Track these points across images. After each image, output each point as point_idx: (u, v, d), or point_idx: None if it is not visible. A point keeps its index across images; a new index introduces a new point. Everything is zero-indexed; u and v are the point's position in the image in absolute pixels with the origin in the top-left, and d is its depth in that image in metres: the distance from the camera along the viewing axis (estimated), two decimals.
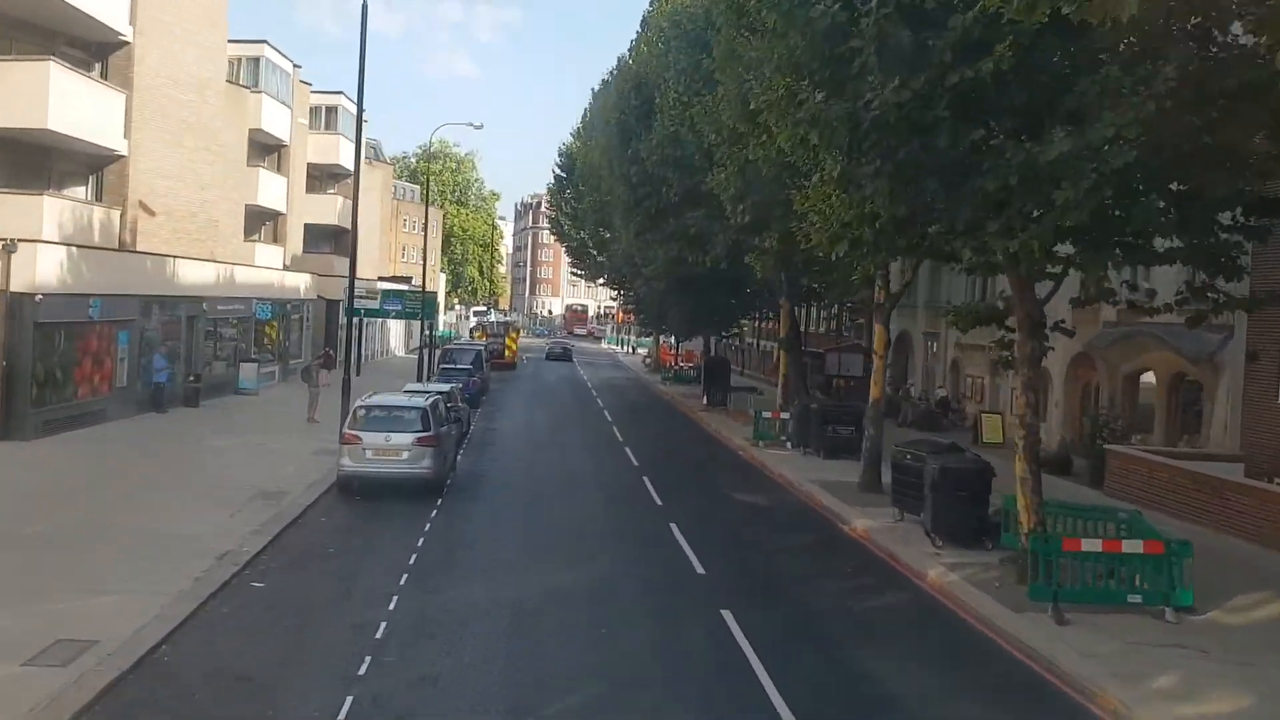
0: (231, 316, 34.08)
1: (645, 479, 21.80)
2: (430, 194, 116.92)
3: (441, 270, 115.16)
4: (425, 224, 43.24)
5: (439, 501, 18.16)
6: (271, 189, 40.83)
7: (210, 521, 15.23)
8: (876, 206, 12.63)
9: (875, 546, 16.47)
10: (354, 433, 18.31)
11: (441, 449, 18.77)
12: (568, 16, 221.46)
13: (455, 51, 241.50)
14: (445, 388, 25.85)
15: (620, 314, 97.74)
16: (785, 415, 28.09)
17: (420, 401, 19.32)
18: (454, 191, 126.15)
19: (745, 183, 20.72)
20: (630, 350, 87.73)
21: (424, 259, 44.11)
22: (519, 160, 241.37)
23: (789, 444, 27.47)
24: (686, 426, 34.07)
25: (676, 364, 56.05)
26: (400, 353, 64.40)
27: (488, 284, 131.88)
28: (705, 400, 38.78)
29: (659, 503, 19.35)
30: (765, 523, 18.52)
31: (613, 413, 36.19)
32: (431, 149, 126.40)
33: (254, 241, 41.27)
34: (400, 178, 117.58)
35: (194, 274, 30.61)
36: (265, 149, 42.01)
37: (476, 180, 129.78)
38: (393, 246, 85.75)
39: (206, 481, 18.46)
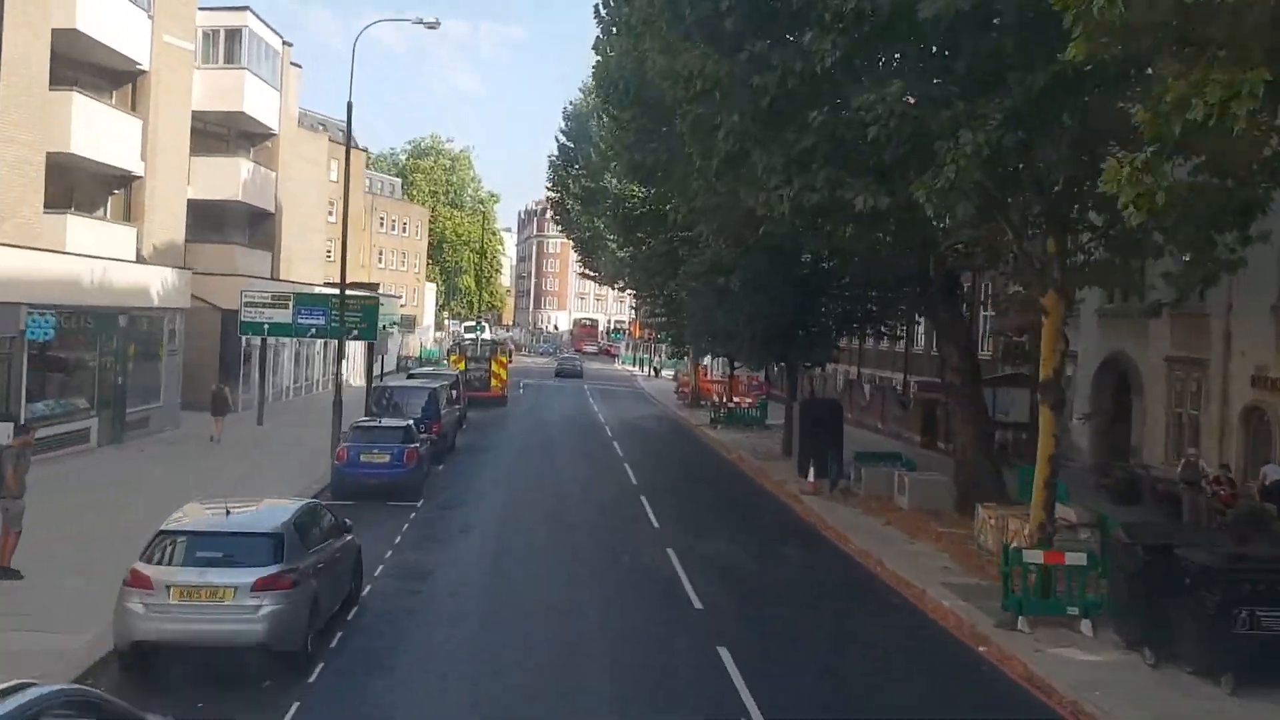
0: None
1: None
2: (406, 182, 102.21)
3: (430, 279, 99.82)
4: (345, 174, 27.37)
5: None
6: (104, 133, 25.33)
7: None
8: None
9: None
10: None
11: None
12: (572, 34, 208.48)
13: (458, 67, 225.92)
14: (283, 520, 10.30)
15: (637, 328, 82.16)
16: (1077, 559, 12.38)
17: None
18: (447, 192, 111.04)
19: None
20: (652, 373, 71.84)
21: (343, 248, 28.33)
22: (521, 175, 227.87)
23: (1089, 626, 11.94)
24: (809, 545, 17.87)
25: (726, 399, 40.19)
26: (359, 382, 48.35)
27: (485, 296, 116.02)
28: (808, 475, 23.03)
29: None
30: None
31: (657, 504, 20.49)
32: (422, 145, 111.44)
33: (80, 215, 25.78)
34: (387, 173, 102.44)
35: None
36: (103, 74, 26.66)
37: (473, 179, 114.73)
38: (365, 250, 71.40)
39: None
